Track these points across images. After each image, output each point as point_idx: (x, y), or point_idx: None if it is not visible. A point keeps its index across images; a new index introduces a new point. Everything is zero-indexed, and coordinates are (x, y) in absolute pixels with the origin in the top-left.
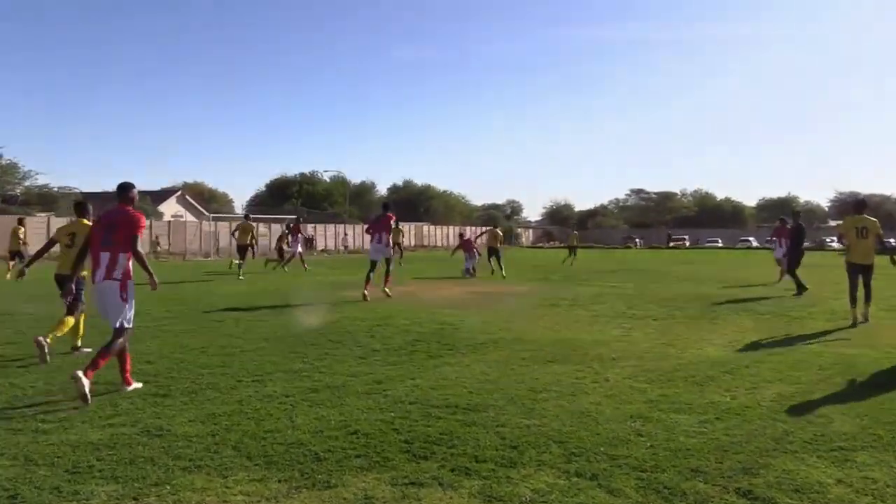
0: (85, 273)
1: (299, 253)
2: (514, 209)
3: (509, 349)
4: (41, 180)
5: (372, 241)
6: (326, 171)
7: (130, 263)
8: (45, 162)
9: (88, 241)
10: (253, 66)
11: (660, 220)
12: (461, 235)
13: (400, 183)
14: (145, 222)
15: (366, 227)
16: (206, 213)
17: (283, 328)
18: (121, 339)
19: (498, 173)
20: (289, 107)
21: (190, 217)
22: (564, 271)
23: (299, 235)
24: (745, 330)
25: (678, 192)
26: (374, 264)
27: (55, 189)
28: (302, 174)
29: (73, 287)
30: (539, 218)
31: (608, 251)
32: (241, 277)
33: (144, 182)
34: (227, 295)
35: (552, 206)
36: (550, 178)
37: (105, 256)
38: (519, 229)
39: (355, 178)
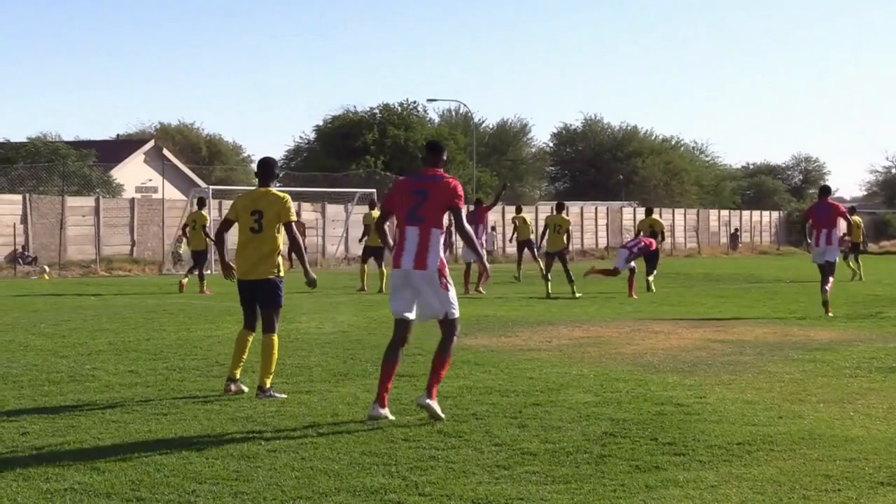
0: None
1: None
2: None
3: (797, 456)
4: None
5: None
6: (433, 101)
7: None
8: None
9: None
10: None
11: None
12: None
13: (574, 123)
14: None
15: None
16: (202, 184)
17: (350, 405)
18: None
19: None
20: None
21: (170, 189)
22: None
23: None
24: None
25: None
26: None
27: None
28: (385, 106)
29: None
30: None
31: None
32: None
33: (83, 126)
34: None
35: None
36: None
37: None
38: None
39: (487, 115)
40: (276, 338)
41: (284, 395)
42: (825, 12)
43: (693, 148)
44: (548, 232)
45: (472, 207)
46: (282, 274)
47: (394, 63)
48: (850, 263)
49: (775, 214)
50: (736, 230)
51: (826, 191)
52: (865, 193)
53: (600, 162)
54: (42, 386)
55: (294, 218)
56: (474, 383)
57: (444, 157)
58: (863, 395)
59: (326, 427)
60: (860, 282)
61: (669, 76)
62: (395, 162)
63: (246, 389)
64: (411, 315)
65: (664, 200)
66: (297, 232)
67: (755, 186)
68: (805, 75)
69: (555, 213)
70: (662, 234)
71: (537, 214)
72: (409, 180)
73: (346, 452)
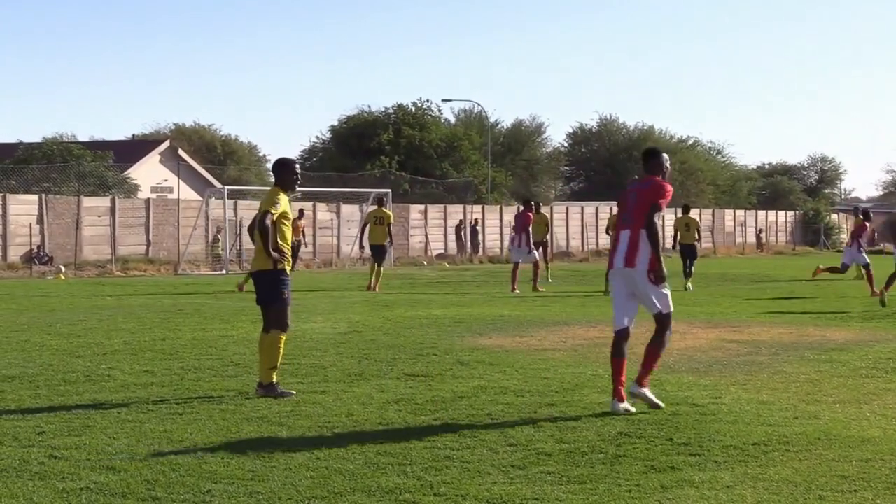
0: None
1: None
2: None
3: (813, 457)
4: None
5: (511, 243)
6: (448, 101)
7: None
8: None
9: None
10: None
11: None
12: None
13: (590, 123)
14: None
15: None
16: (217, 184)
17: (365, 406)
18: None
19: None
20: None
21: (186, 189)
22: None
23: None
24: None
25: None
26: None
27: None
28: (400, 107)
29: None
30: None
31: None
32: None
33: (98, 126)
34: (251, 339)
35: None
36: None
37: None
38: (836, 214)
39: (502, 114)
40: (274, 335)
41: (293, 393)
42: (841, 12)
43: (710, 148)
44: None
45: (521, 208)
46: (280, 268)
47: (409, 63)
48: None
49: (791, 214)
50: (761, 231)
51: None
52: (882, 193)
53: (616, 162)
54: (58, 386)
55: (271, 209)
56: (489, 383)
57: (660, 162)
58: (879, 396)
59: (341, 427)
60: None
61: (686, 76)
62: (409, 162)
63: (293, 393)
64: (628, 323)
65: (680, 200)
66: (267, 222)
67: (771, 186)
68: (821, 75)
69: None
70: (699, 231)
71: (552, 214)
72: (628, 188)
73: (360, 452)
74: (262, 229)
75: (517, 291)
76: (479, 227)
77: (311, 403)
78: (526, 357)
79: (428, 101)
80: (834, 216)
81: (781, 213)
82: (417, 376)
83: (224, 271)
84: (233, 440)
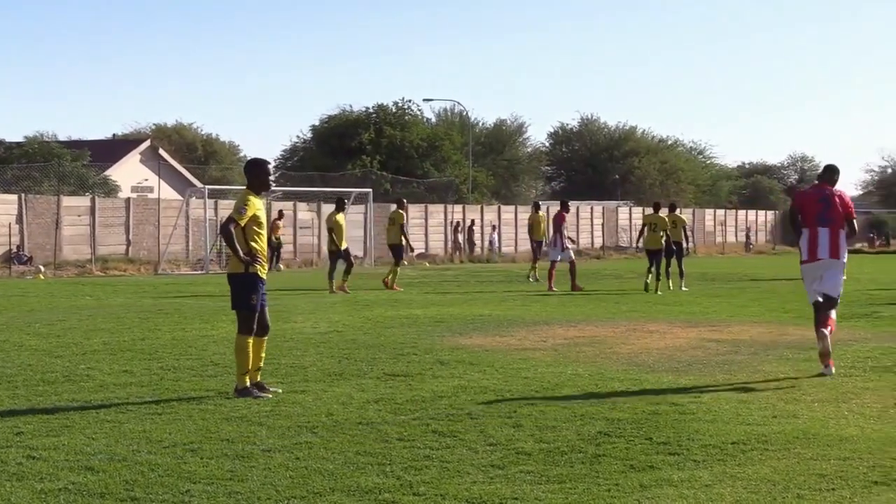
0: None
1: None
2: (806, 171)
3: (791, 456)
4: None
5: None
6: (429, 101)
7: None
8: None
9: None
10: None
11: None
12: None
13: (571, 123)
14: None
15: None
16: (198, 184)
17: (345, 405)
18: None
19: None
20: None
21: (167, 189)
22: None
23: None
24: None
25: None
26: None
27: None
28: (381, 106)
29: None
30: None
31: None
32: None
33: (79, 126)
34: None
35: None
36: None
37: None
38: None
39: (483, 114)
40: (241, 340)
41: (270, 394)
42: (820, 11)
43: (691, 148)
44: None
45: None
46: (252, 272)
47: (390, 63)
48: None
49: (771, 214)
50: (748, 230)
51: None
52: (861, 193)
53: (596, 161)
54: (36, 386)
55: (236, 217)
56: (469, 383)
57: (837, 178)
58: (857, 395)
59: (321, 427)
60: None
61: (668, 76)
62: (390, 162)
63: (279, 390)
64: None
65: (660, 200)
66: (231, 229)
67: (751, 186)
68: (801, 75)
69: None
70: (685, 230)
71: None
72: (812, 192)
73: (340, 452)
74: (226, 234)
75: (554, 290)
76: (474, 228)
77: (290, 403)
78: (506, 356)
79: (409, 100)
80: None
81: (762, 213)
82: (397, 376)
83: (204, 270)
84: (212, 440)
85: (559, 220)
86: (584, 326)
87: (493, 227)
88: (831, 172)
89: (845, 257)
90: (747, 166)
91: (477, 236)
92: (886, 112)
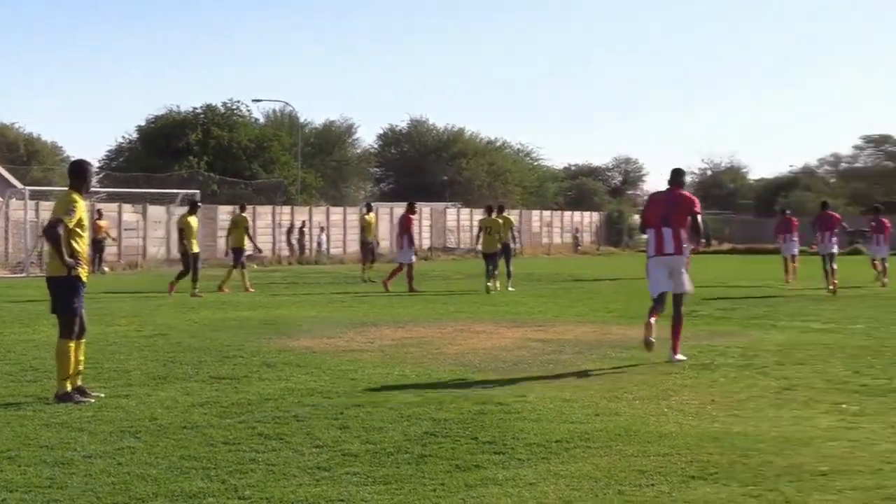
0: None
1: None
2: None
3: (613, 453)
4: None
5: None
6: (258, 101)
7: None
8: None
9: None
10: None
11: None
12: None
13: (400, 124)
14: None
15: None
16: (18, 185)
17: (169, 409)
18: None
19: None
20: None
21: None
22: (749, 300)
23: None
24: None
25: None
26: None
27: None
28: (209, 107)
29: None
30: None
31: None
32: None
33: None
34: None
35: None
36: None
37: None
38: (639, 215)
39: (313, 115)
40: (62, 344)
41: (92, 399)
42: (632, 13)
43: (518, 150)
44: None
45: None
46: (74, 275)
47: (219, 63)
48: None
49: (596, 215)
50: (577, 231)
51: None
52: None
53: (425, 163)
54: None
55: (65, 218)
56: (296, 385)
57: (684, 179)
58: (676, 392)
59: (145, 431)
60: None
61: (494, 79)
62: (218, 162)
63: (101, 395)
64: (667, 289)
65: (489, 201)
66: (60, 231)
67: (577, 187)
68: (622, 78)
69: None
70: (512, 231)
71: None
72: (662, 195)
73: (164, 457)
74: (53, 237)
75: (390, 290)
76: (305, 230)
77: (113, 408)
78: (333, 358)
79: (238, 101)
80: (637, 216)
81: (587, 214)
82: (223, 379)
83: (24, 273)
84: (31, 447)
85: (407, 223)
86: (412, 327)
87: (322, 229)
88: (679, 175)
89: (688, 253)
90: (573, 168)
91: (306, 238)
92: (705, 115)
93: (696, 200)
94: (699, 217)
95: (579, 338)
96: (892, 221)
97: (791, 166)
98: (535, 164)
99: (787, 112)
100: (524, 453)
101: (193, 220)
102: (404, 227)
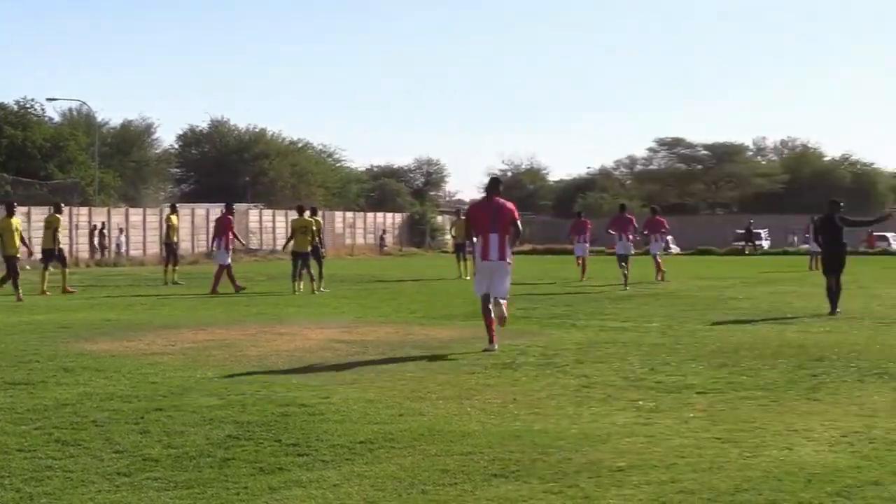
0: None
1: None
2: (432, 174)
3: (417, 452)
4: None
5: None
6: (52, 100)
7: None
8: None
9: None
10: None
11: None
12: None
13: (201, 125)
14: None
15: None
16: None
17: None
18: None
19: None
20: None
21: None
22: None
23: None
24: (876, 409)
25: (750, 142)
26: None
27: None
28: (0, 106)
29: None
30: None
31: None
32: None
33: None
34: None
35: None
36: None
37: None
38: (441, 216)
39: (110, 114)
40: None
41: None
42: (416, 6)
43: (321, 151)
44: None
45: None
46: None
47: (10, 61)
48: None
49: (398, 216)
50: (384, 232)
51: None
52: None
53: (227, 163)
54: None
55: None
56: (94, 390)
57: (501, 188)
58: (479, 392)
59: None
60: (468, 280)
61: (296, 78)
62: (11, 163)
63: None
64: (487, 290)
65: (292, 202)
66: None
67: (380, 188)
68: (420, 76)
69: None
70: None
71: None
72: (482, 204)
73: None
74: None
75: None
76: (105, 231)
77: None
78: (133, 362)
79: (32, 99)
80: (439, 218)
81: (390, 215)
82: (18, 384)
83: None
84: None
85: (226, 224)
86: (214, 330)
87: (121, 230)
88: (497, 184)
89: (511, 258)
90: (375, 169)
91: (106, 240)
92: (505, 116)
93: (515, 207)
94: (519, 223)
95: (383, 338)
96: (689, 222)
97: (588, 168)
98: (338, 164)
99: (586, 113)
100: (328, 455)
101: (17, 222)
102: (223, 228)
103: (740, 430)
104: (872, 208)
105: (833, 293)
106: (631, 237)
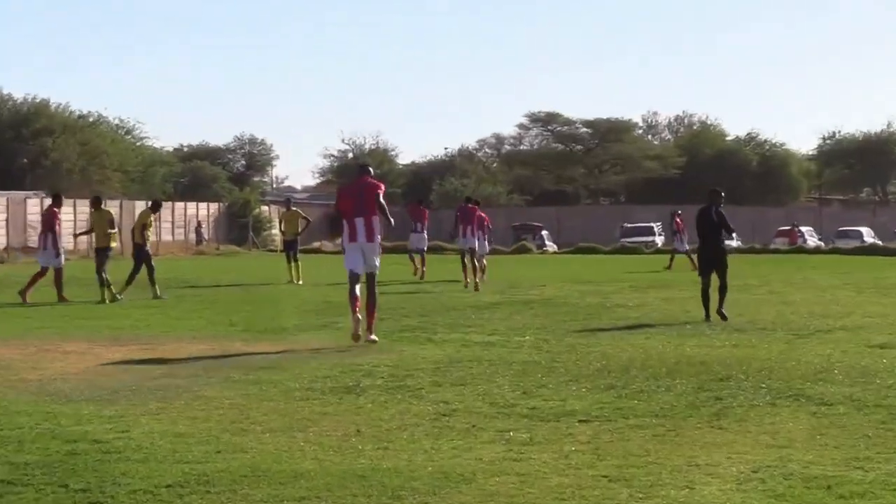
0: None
1: None
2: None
3: (238, 498)
4: None
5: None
6: None
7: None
8: None
9: None
10: None
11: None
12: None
13: None
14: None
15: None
16: None
17: None
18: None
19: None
20: None
21: None
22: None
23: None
24: (791, 439)
25: (640, 118)
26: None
27: None
28: None
29: None
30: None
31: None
32: None
33: None
34: None
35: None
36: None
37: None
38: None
39: None
40: None
41: None
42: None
43: (117, 126)
44: None
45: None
46: None
47: None
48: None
49: (214, 206)
50: (200, 223)
51: None
52: (319, 181)
53: (1, 142)
54: None
55: None
56: None
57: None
58: (315, 422)
59: None
60: (300, 285)
61: (88, 40)
62: None
63: None
64: (360, 270)
65: (83, 190)
66: None
67: (192, 172)
68: (243, 47)
69: None
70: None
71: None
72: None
73: None
74: None
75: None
76: None
77: None
78: None
79: None
80: (265, 208)
81: (204, 205)
82: None
83: None
84: None
85: (52, 218)
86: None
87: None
88: (366, 168)
89: (379, 238)
90: (186, 149)
91: None
92: (345, 87)
93: (382, 185)
94: (381, 198)
95: (195, 357)
96: (567, 214)
97: (447, 149)
98: (139, 143)
99: (440, 84)
100: (128, 501)
101: None
102: (48, 223)
103: (631, 466)
104: (785, 195)
105: (708, 297)
106: (481, 232)
